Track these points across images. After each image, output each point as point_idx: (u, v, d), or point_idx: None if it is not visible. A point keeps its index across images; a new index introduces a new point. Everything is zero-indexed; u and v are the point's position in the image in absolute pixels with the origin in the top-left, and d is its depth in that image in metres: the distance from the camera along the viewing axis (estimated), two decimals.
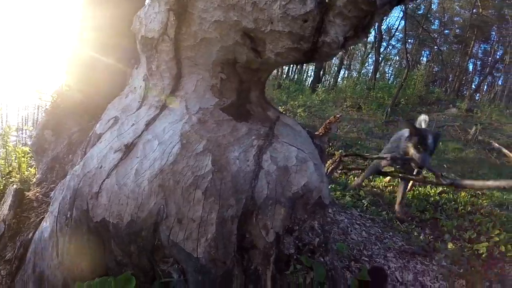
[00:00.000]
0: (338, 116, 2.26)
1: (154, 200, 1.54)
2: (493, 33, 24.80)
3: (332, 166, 3.06)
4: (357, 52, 24.07)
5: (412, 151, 3.08)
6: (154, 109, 1.77)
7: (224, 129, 1.67)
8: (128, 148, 1.64)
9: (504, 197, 5.02)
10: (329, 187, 3.52)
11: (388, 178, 4.41)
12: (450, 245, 3.09)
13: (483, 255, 3.13)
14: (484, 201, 4.32)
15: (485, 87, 26.81)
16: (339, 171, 4.68)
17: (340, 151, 5.02)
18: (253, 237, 1.58)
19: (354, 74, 20.38)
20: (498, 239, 3.37)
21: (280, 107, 7.52)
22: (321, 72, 19.95)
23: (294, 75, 22.59)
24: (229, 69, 1.72)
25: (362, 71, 18.19)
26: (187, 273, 1.58)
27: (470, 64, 27.31)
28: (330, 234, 1.90)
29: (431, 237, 3.17)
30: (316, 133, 2.17)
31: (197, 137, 1.61)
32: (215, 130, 1.65)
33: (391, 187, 4.20)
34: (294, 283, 1.77)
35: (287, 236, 1.64)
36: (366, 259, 2.47)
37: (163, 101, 1.78)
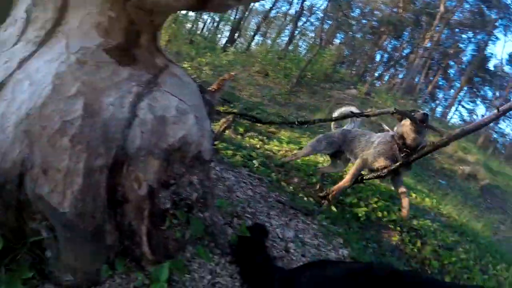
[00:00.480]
0: (233, 74, 2.24)
1: (18, 148, 1.36)
2: (406, 33, 27.45)
3: (225, 125, 3.06)
4: (275, 21, 24.46)
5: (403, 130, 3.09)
6: (32, 45, 1.55)
7: (104, 72, 1.52)
8: None
9: None
10: (221, 145, 3.55)
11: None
12: (332, 208, 3.37)
13: (362, 219, 3.49)
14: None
15: (387, 77, 29.64)
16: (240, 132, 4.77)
17: (235, 111, 5.11)
18: (125, 190, 1.50)
19: (269, 42, 20.72)
20: (376, 205, 3.77)
21: (186, 63, 7.28)
22: (236, 34, 19.85)
23: (209, 33, 22.18)
24: (119, 6, 1.56)
25: (277, 41, 18.56)
26: (56, 230, 1.46)
27: (378, 54, 29.96)
28: (210, 190, 1.90)
29: (316, 200, 3.41)
30: (209, 89, 2.12)
31: (72, 79, 1.44)
32: (93, 72, 1.50)
33: (284, 151, 4.39)
34: (171, 238, 1.75)
35: (162, 190, 1.59)
36: (249, 216, 2.54)
37: (42, 36, 1.57)
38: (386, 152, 3.15)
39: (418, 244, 3.38)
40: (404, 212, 3.16)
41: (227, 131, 4.66)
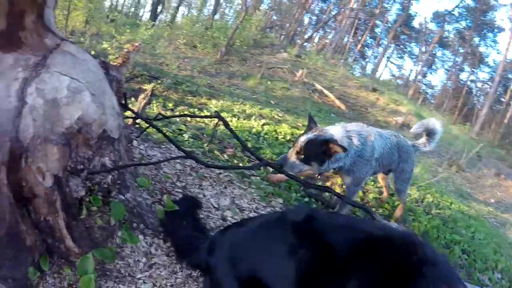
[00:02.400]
0: (137, 44, 2.11)
1: None
2: None
3: (145, 101, 2.93)
4: None
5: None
6: None
7: None
8: None
9: None
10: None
11: None
12: (270, 170, 3.39)
13: (302, 176, 3.56)
14: (302, 132, 4.93)
15: (316, 39, 30.33)
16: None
17: (151, 85, 4.93)
18: (30, 185, 1.39)
19: (194, 13, 20.01)
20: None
21: (106, 42, 6.82)
22: (159, 8, 18.93)
23: (129, 10, 20.98)
24: None
25: (203, 11, 17.98)
26: None
27: (306, 17, 30.42)
28: (126, 169, 1.82)
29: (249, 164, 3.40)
30: (113, 64, 1.99)
31: None
32: None
33: (216, 120, 4.32)
34: (94, 226, 1.68)
35: (72, 177, 1.49)
36: (180, 190, 2.48)
37: None
38: None
39: (360, 193, 3.50)
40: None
41: (155, 108, 4.51)
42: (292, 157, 2.49)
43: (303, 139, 2.46)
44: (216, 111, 2.39)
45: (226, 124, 2.36)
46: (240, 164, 3.24)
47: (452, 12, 30.72)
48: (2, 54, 1.44)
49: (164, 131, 3.17)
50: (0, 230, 1.36)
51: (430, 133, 3.26)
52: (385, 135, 2.94)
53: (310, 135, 2.47)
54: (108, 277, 1.64)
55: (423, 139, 3.32)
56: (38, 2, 1.59)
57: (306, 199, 3.22)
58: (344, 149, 2.38)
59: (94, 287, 1.49)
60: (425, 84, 36.11)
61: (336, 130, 2.58)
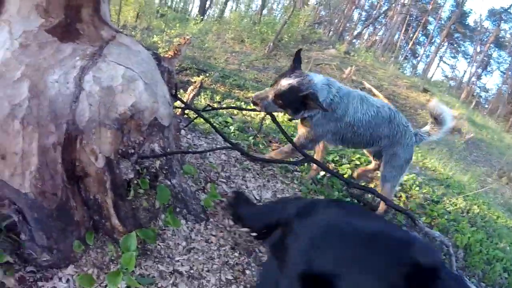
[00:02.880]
0: (188, 38, 2.18)
1: None
2: None
3: (193, 92, 3.02)
4: None
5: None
6: None
7: (47, 52, 1.51)
8: None
9: None
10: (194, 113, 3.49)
11: None
12: (314, 167, 3.38)
13: (345, 175, 3.51)
14: None
15: (366, 35, 29.47)
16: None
17: (201, 77, 5.03)
18: (83, 164, 1.51)
19: (242, 8, 20.15)
20: (358, 162, 3.77)
21: (156, 36, 7.10)
22: (207, 3, 19.36)
23: (179, 4, 21.64)
24: None
25: (251, 6, 18.08)
26: (24, 212, 1.48)
27: (356, 13, 29.62)
28: (174, 156, 1.89)
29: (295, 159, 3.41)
30: (166, 55, 2.08)
31: (17, 64, 1.44)
32: (36, 54, 1.49)
33: (263, 114, 4.34)
34: (140, 208, 1.77)
35: (123, 160, 1.58)
36: (224, 180, 2.55)
37: None
38: None
39: (403, 198, 3.38)
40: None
41: (203, 99, 4.64)
42: (270, 97, 2.26)
43: (284, 83, 2.21)
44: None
45: (273, 119, 2.34)
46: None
47: (508, 10, 28.51)
48: (61, 44, 1.55)
49: (211, 122, 3.29)
50: (52, 204, 1.48)
51: (438, 121, 2.78)
52: (372, 102, 2.51)
53: (292, 80, 2.21)
54: (148, 257, 1.73)
55: (427, 127, 2.86)
56: None
57: (348, 199, 3.17)
58: (323, 109, 2.16)
59: (134, 264, 1.58)
60: (479, 87, 33.83)
61: (318, 79, 2.30)
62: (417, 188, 3.61)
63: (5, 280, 1.45)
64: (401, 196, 3.40)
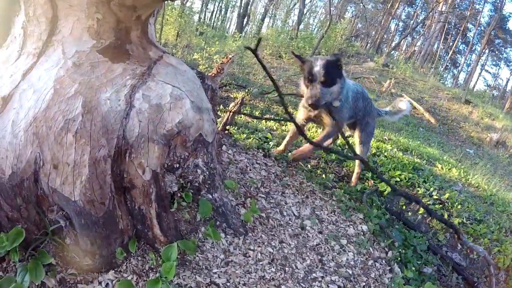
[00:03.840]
0: (231, 57, 2.26)
1: (30, 149, 1.50)
2: None
3: (234, 108, 3.09)
4: (283, 2, 24.13)
5: (303, 88, 2.59)
6: (32, 57, 1.68)
7: (99, 71, 1.63)
8: (5, 101, 1.56)
9: (410, 143, 5.52)
10: (235, 129, 3.56)
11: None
12: (358, 186, 3.31)
13: (385, 193, 3.44)
14: (389, 146, 4.70)
15: (404, 46, 28.80)
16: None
17: (242, 93, 5.09)
18: (130, 176, 1.59)
19: (279, 23, 20.40)
20: (399, 179, 3.68)
21: (196, 53, 7.32)
22: (245, 20, 19.77)
23: (217, 23, 22.28)
24: (104, 8, 1.65)
25: (287, 21, 18.31)
26: (71, 218, 1.59)
27: (393, 23, 29.12)
28: (217, 171, 1.95)
29: (335, 176, 3.39)
30: (209, 74, 2.16)
31: (70, 81, 1.57)
32: (89, 72, 1.61)
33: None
34: (182, 220, 1.83)
35: (168, 174, 1.65)
36: (263, 195, 2.58)
37: (40, 48, 1.69)
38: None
39: (445, 216, 3.27)
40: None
41: (242, 116, 4.71)
42: (317, 88, 2.42)
43: (320, 63, 2.40)
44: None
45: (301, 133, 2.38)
46: (323, 176, 3.24)
47: None
48: (112, 64, 1.66)
49: (251, 138, 3.36)
50: (99, 212, 1.57)
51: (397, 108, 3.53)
52: (351, 81, 2.99)
53: (320, 61, 2.43)
54: (186, 267, 1.78)
55: (387, 108, 3.58)
56: (142, 19, 1.82)
57: (387, 216, 3.09)
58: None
59: (174, 274, 1.62)
60: None
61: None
62: (459, 206, 3.46)
63: (47, 280, 1.55)
64: (443, 215, 3.27)
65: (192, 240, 1.83)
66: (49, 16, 1.66)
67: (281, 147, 3.23)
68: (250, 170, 2.77)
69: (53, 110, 1.50)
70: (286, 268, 2.01)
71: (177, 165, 1.68)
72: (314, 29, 18.70)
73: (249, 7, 20.85)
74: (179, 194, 1.73)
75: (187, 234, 1.84)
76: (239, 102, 3.05)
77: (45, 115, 1.49)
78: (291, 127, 3.27)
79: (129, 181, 1.60)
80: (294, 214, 2.54)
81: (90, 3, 1.62)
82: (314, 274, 2.05)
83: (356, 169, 3.38)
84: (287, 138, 3.22)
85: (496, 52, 32.38)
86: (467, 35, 30.75)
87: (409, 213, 3.33)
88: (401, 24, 31.29)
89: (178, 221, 1.79)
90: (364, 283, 2.12)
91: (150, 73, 1.66)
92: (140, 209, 1.68)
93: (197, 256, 1.84)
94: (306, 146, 2.98)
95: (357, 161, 3.36)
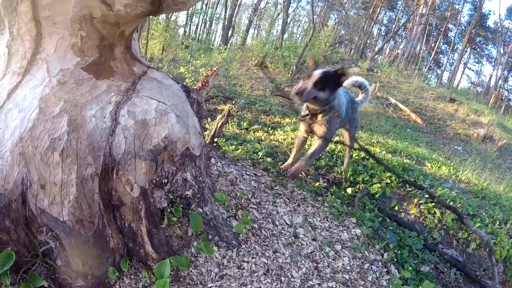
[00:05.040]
0: (215, 69, 2.26)
1: (17, 170, 1.48)
2: (399, 2, 27.10)
3: (221, 121, 3.10)
4: (266, 13, 24.43)
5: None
6: (17, 76, 1.68)
7: (83, 88, 1.63)
8: None
9: (398, 144, 5.57)
10: (223, 141, 3.57)
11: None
12: (349, 190, 3.33)
13: (377, 195, 3.45)
14: (378, 149, 4.73)
15: (388, 50, 29.29)
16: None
17: (228, 105, 5.10)
18: (119, 194, 1.58)
19: (263, 34, 20.62)
20: (389, 181, 3.67)
21: (182, 67, 7.35)
22: (229, 32, 19.94)
23: (202, 35, 22.42)
24: (87, 25, 1.65)
25: (271, 31, 18.50)
26: (61, 239, 1.56)
27: (375, 28, 29.65)
28: (206, 185, 1.93)
29: (325, 183, 3.40)
30: (194, 87, 2.16)
31: (55, 100, 1.56)
32: (73, 90, 1.61)
33: (291, 138, 4.37)
34: (173, 235, 1.81)
35: (157, 190, 1.64)
36: (254, 206, 2.57)
37: (25, 66, 1.68)
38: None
39: (438, 214, 3.28)
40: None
41: (230, 127, 4.72)
42: (310, 85, 2.64)
43: (318, 72, 2.67)
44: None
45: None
46: (316, 184, 3.25)
47: None
48: (96, 81, 1.66)
49: (239, 149, 3.35)
50: (89, 231, 1.55)
51: (362, 88, 3.77)
52: (344, 91, 3.27)
53: (322, 69, 2.71)
54: (181, 283, 1.76)
55: (360, 97, 3.79)
56: (125, 35, 1.82)
57: (380, 218, 3.09)
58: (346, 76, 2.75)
59: None
60: (507, 90, 32.38)
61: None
62: (452, 203, 3.48)
63: None
64: (435, 213, 3.29)
65: (185, 255, 1.81)
66: (33, 34, 1.65)
67: (290, 161, 3.35)
68: (240, 181, 2.76)
69: (39, 129, 1.49)
70: (282, 278, 1.99)
71: (166, 180, 1.67)
72: (298, 38, 18.99)
73: (233, 18, 21.06)
74: (169, 210, 1.72)
75: (179, 250, 1.82)
76: (225, 114, 3.06)
77: (31, 135, 1.48)
78: (296, 140, 3.45)
79: (118, 199, 1.58)
80: (286, 223, 2.53)
81: (74, 21, 1.61)
82: (310, 282, 2.03)
83: (346, 160, 3.76)
84: (294, 152, 3.37)
85: (478, 50, 33.09)
86: (449, 35, 31.40)
87: (402, 214, 3.34)
88: (383, 28, 31.90)
89: (169, 237, 1.77)
90: (361, 287, 2.11)
91: (134, 89, 1.65)
92: (130, 227, 1.66)
93: (191, 271, 1.82)
94: (301, 161, 3.10)
95: (346, 152, 3.77)
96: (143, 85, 1.70)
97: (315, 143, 3.09)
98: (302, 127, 3.19)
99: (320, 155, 3.80)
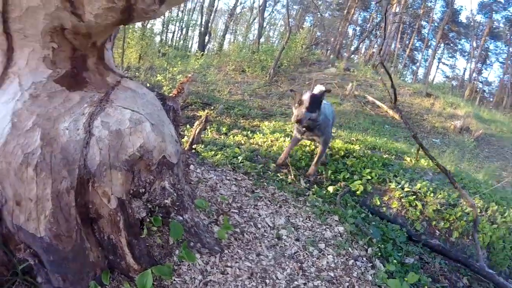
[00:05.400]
0: (190, 76, 2.26)
1: None
2: (372, 2, 27.66)
3: (199, 127, 3.10)
4: (242, 18, 24.54)
5: (293, 110, 3.25)
6: None
7: (56, 101, 1.60)
8: None
9: (377, 141, 5.67)
10: (202, 147, 3.56)
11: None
12: (331, 188, 3.37)
13: (358, 192, 3.50)
14: (357, 146, 4.81)
15: (363, 50, 29.81)
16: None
17: (205, 111, 5.11)
18: (96, 206, 1.56)
19: (240, 38, 20.69)
20: (370, 177, 3.76)
21: (159, 75, 7.30)
22: (206, 38, 19.94)
23: (179, 42, 22.37)
24: (59, 37, 1.63)
25: (248, 36, 18.60)
26: (40, 255, 1.54)
27: (350, 29, 30.16)
28: (185, 192, 1.93)
29: (306, 183, 3.44)
30: (170, 94, 2.16)
31: (28, 114, 1.53)
32: (46, 103, 1.58)
33: (270, 141, 4.40)
34: (153, 245, 1.79)
35: (135, 200, 1.62)
36: (236, 211, 2.57)
37: None
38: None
39: (420, 206, 3.36)
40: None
41: (209, 133, 4.71)
42: (303, 110, 3.13)
43: (306, 96, 3.17)
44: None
45: None
46: (296, 184, 3.28)
47: (498, 0, 28.67)
48: (69, 93, 1.64)
49: (219, 155, 3.35)
50: (67, 246, 1.52)
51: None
52: (326, 102, 3.70)
53: (308, 93, 3.21)
54: None
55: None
56: (98, 46, 1.80)
57: (363, 214, 3.14)
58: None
59: None
60: (481, 82, 33.47)
61: (317, 90, 3.48)
62: (432, 195, 3.58)
63: None
64: (416, 205, 3.37)
65: (167, 264, 1.79)
66: (4, 48, 1.63)
67: (282, 157, 3.75)
68: (220, 186, 2.76)
69: (12, 145, 1.46)
70: (267, 280, 2.00)
71: (143, 190, 1.65)
72: (275, 41, 19.11)
73: (209, 24, 21.03)
74: (148, 219, 1.70)
75: (161, 259, 1.80)
76: (203, 120, 3.06)
77: (4, 150, 1.45)
78: (291, 141, 3.84)
79: (95, 211, 1.56)
80: (269, 225, 2.54)
81: (45, 33, 1.59)
82: (296, 282, 2.05)
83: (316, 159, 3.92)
84: (287, 149, 3.77)
85: (451, 45, 34.00)
86: (422, 32, 32.24)
87: (384, 208, 3.40)
88: (358, 28, 32.48)
89: (150, 247, 1.75)
90: (347, 283, 2.13)
91: (108, 99, 1.64)
92: (110, 239, 1.64)
93: (174, 280, 1.80)
94: (312, 166, 3.68)
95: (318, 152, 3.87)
96: (117, 95, 1.69)
97: (319, 148, 3.66)
98: (296, 132, 3.66)
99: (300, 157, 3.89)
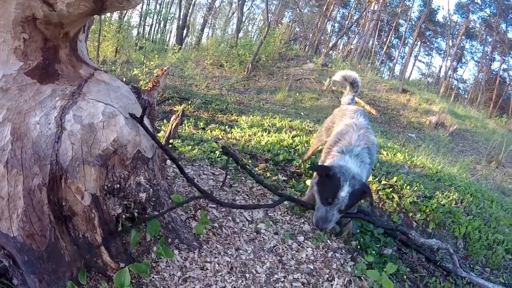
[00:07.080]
0: (165, 69, 2.21)
1: None
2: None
3: (176, 121, 3.06)
4: (221, 12, 24.38)
5: (311, 195, 2.61)
6: None
7: (27, 94, 1.53)
8: None
9: None
10: (179, 142, 3.52)
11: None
12: (308, 182, 3.38)
13: None
14: None
15: (341, 46, 30.17)
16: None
17: (182, 106, 5.06)
18: (70, 204, 1.51)
19: (219, 33, 20.54)
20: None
21: (136, 69, 7.16)
22: (184, 32, 19.72)
23: (157, 36, 22.05)
24: (30, 27, 1.56)
25: (226, 30, 18.47)
26: (14, 256, 1.49)
27: (329, 25, 30.48)
28: (161, 187, 1.89)
29: (284, 177, 3.44)
30: (145, 88, 2.11)
31: None
32: (17, 97, 1.51)
33: (248, 135, 4.40)
34: (130, 242, 1.75)
35: (109, 196, 1.58)
36: (213, 205, 2.54)
37: None
38: None
39: (396, 198, 3.41)
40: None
41: (187, 128, 4.66)
42: (333, 214, 2.29)
43: (343, 194, 2.23)
44: (224, 146, 2.38)
45: (236, 161, 2.45)
46: (275, 179, 3.27)
47: (475, 1, 29.69)
48: (40, 86, 1.57)
49: (196, 149, 3.31)
50: (41, 246, 1.47)
51: (354, 85, 3.73)
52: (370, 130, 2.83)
53: (346, 187, 2.24)
54: None
55: (347, 97, 3.77)
56: (70, 36, 1.74)
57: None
58: (372, 200, 2.34)
59: None
60: (456, 79, 34.72)
61: (353, 165, 2.39)
62: (408, 187, 3.64)
63: None
64: (393, 198, 3.44)
65: (145, 261, 1.76)
66: None
67: (309, 153, 3.69)
68: (197, 181, 2.73)
69: None
70: (247, 275, 1.99)
71: (118, 186, 1.61)
72: (254, 36, 19.07)
73: (188, 18, 20.75)
74: (124, 216, 1.66)
75: (139, 256, 1.77)
76: (179, 115, 3.01)
77: None
78: (316, 140, 3.67)
79: (69, 209, 1.51)
80: (247, 220, 2.53)
81: (16, 23, 1.52)
82: (276, 276, 2.05)
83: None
84: (313, 147, 3.66)
85: (428, 43, 34.96)
86: (400, 30, 32.95)
87: (361, 200, 3.45)
88: (336, 25, 32.87)
89: (127, 244, 1.71)
90: (327, 275, 2.14)
91: (80, 92, 1.58)
92: (85, 237, 1.59)
93: (153, 277, 1.78)
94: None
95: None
96: (89, 88, 1.63)
97: None
98: (325, 134, 3.28)
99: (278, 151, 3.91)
